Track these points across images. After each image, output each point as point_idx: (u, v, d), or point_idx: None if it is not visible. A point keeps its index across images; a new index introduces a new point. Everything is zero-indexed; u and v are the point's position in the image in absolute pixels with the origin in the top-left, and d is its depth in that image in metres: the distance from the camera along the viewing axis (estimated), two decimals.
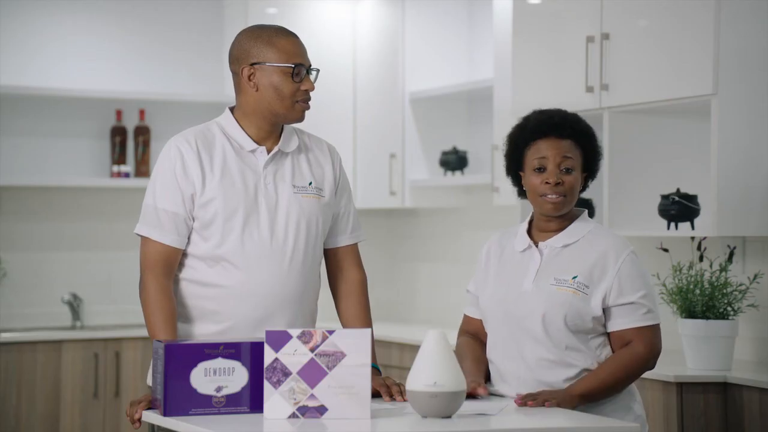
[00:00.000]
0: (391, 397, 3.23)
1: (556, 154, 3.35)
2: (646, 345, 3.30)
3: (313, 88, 3.39)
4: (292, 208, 3.40)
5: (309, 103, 3.40)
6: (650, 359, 3.32)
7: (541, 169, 3.36)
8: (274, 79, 3.35)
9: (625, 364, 3.29)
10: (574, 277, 3.31)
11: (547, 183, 3.34)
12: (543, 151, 3.36)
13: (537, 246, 3.40)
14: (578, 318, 3.28)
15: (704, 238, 4.53)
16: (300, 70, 3.36)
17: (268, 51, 3.36)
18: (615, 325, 3.31)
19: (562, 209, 3.36)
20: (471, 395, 3.28)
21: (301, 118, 3.41)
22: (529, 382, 3.32)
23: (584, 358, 3.31)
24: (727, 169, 4.46)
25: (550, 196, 3.34)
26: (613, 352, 3.34)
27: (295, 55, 3.36)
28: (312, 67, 3.40)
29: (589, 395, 3.26)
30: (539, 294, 3.32)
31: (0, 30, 6.53)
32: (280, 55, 3.35)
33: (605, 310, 3.31)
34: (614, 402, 3.33)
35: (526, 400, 3.19)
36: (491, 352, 3.43)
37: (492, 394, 3.39)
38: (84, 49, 6.71)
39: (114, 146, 6.70)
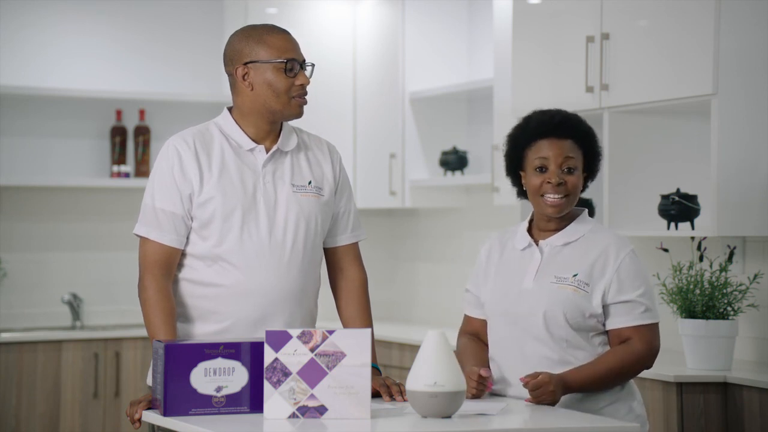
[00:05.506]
0: (391, 397, 3.23)
1: (557, 154, 3.35)
2: (644, 343, 3.30)
3: (308, 83, 3.38)
4: (291, 207, 3.40)
5: (306, 98, 3.40)
6: (648, 358, 3.31)
7: (542, 169, 3.36)
8: (268, 76, 3.35)
9: (622, 359, 3.28)
10: (575, 275, 3.31)
11: (548, 183, 3.34)
12: (544, 151, 3.36)
13: (537, 244, 3.41)
14: (579, 315, 3.29)
15: (704, 238, 4.53)
16: (293, 65, 3.36)
17: (260, 49, 3.35)
18: (613, 323, 3.32)
19: (563, 210, 3.36)
20: (476, 396, 3.28)
21: (299, 114, 3.40)
22: None
23: (585, 356, 3.31)
24: (727, 169, 4.46)
25: (551, 196, 3.33)
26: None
27: (287, 51, 3.36)
28: (307, 62, 3.40)
29: (582, 387, 3.26)
30: (540, 292, 3.32)
31: (0, 30, 6.53)
32: (271, 51, 3.35)
33: (604, 308, 3.31)
34: (614, 401, 3.33)
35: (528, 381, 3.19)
36: (492, 350, 3.43)
37: (494, 394, 3.39)
38: (84, 49, 6.72)
39: (114, 146, 6.70)
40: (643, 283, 3.33)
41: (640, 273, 3.34)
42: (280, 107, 3.38)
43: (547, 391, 3.19)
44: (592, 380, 3.26)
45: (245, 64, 3.36)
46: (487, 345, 3.48)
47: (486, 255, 3.50)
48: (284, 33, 3.40)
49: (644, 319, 3.31)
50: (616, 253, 3.33)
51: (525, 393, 3.31)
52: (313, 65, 3.41)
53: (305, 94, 3.39)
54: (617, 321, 3.31)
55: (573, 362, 3.30)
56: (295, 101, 3.38)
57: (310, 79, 3.40)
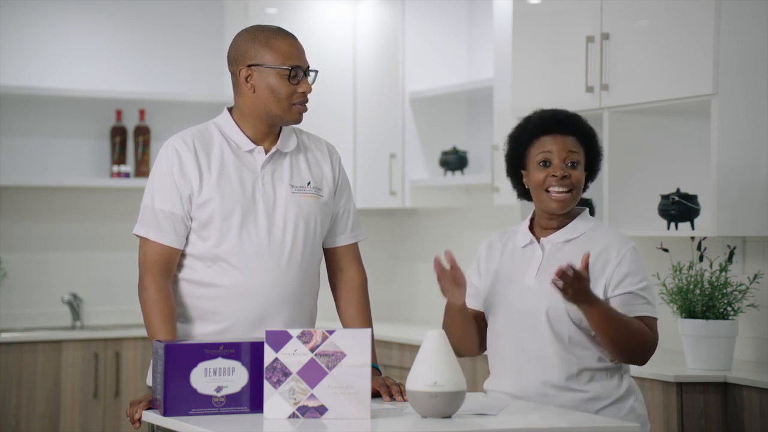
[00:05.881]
0: (391, 397, 3.23)
1: (561, 148, 3.35)
2: (650, 329, 3.30)
3: (310, 90, 3.38)
4: (290, 208, 3.40)
5: (306, 105, 3.40)
6: (650, 343, 3.29)
7: (545, 164, 3.35)
8: (271, 81, 3.35)
9: (637, 326, 3.25)
10: None
11: (553, 176, 3.33)
12: (548, 146, 3.35)
13: (539, 242, 3.41)
14: (581, 312, 3.27)
15: (704, 238, 4.53)
16: (297, 72, 3.36)
17: (266, 53, 3.35)
18: None
19: (567, 206, 3.35)
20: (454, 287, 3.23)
21: (298, 120, 3.41)
22: (531, 379, 3.31)
23: (588, 354, 3.30)
24: (727, 169, 4.46)
25: (556, 190, 3.33)
26: None
27: (292, 57, 3.36)
28: (310, 69, 3.40)
29: (603, 312, 3.19)
30: (542, 289, 3.31)
31: (0, 30, 6.53)
32: (276, 56, 3.35)
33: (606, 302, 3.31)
34: (616, 400, 3.32)
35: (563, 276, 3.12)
36: (492, 348, 3.43)
37: (493, 392, 3.40)
38: (84, 49, 6.72)
39: (114, 146, 6.70)
40: (644, 278, 3.33)
41: (641, 268, 3.34)
42: (280, 112, 3.37)
43: (583, 287, 3.13)
44: (612, 316, 3.20)
45: (249, 66, 3.36)
46: (477, 329, 3.45)
47: (486, 251, 3.50)
48: (291, 38, 3.39)
49: (645, 311, 3.30)
50: (617, 249, 3.33)
51: (524, 392, 3.31)
52: (316, 72, 3.40)
53: (306, 101, 3.39)
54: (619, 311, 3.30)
55: (575, 361, 3.29)
56: (295, 108, 3.38)
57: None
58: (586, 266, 3.14)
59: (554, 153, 3.35)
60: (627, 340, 3.25)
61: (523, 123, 3.45)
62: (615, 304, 3.30)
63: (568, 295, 3.15)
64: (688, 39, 4.55)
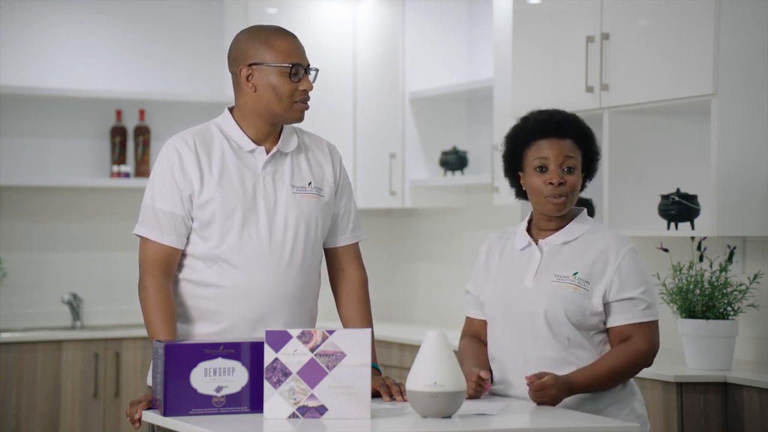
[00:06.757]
0: (391, 397, 3.23)
1: (558, 154, 3.34)
2: (646, 341, 3.30)
3: (311, 88, 3.38)
4: (290, 208, 3.40)
5: (308, 103, 3.40)
6: (649, 356, 3.32)
7: (542, 169, 3.35)
8: (272, 80, 3.35)
9: (626, 358, 3.29)
10: (575, 274, 3.31)
11: (550, 183, 3.33)
12: (544, 151, 3.35)
13: (537, 243, 3.41)
14: (580, 314, 3.29)
15: (704, 238, 4.53)
16: (298, 69, 3.36)
17: (266, 51, 3.35)
18: (615, 320, 3.32)
19: (563, 209, 3.36)
20: (474, 396, 3.27)
21: (299, 119, 3.41)
22: None
23: (587, 355, 3.31)
24: (727, 169, 4.46)
25: (552, 196, 3.33)
26: (612, 347, 3.34)
27: (293, 55, 3.36)
28: (311, 67, 3.40)
29: (586, 388, 3.27)
30: (540, 291, 3.32)
31: (0, 30, 6.53)
32: (277, 55, 3.35)
33: (605, 306, 3.31)
34: (616, 401, 3.33)
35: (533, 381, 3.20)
36: (493, 351, 3.43)
37: (494, 394, 3.40)
38: (84, 49, 6.72)
39: (114, 146, 6.70)
40: (644, 281, 3.34)
41: (641, 271, 3.34)
42: (281, 111, 3.37)
43: (549, 394, 3.19)
44: (596, 381, 3.27)
45: (250, 65, 3.36)
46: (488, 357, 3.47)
47: (485, 255, 3.50)
48: (291, 36, 3.40)
49: (646, 316, 3.31)
50: (616, 251, 3.34)
51: (526, 393, 3.31)
52: (317, 70, 3.41)
53: (308, 99, 3.39)
54: (619, 318, 3.31)
55: (575, 362, 3.30)
56: (297, 106, 3.38)
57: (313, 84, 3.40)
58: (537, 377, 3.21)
59: (551, 159, 3.34)
60: (624, 376, 3.33)
61: (521, 124, 3.44)
62: (616, 309, 3.31)
63: (549, 403, 3.21)
64: (688, 39, 4.55)
